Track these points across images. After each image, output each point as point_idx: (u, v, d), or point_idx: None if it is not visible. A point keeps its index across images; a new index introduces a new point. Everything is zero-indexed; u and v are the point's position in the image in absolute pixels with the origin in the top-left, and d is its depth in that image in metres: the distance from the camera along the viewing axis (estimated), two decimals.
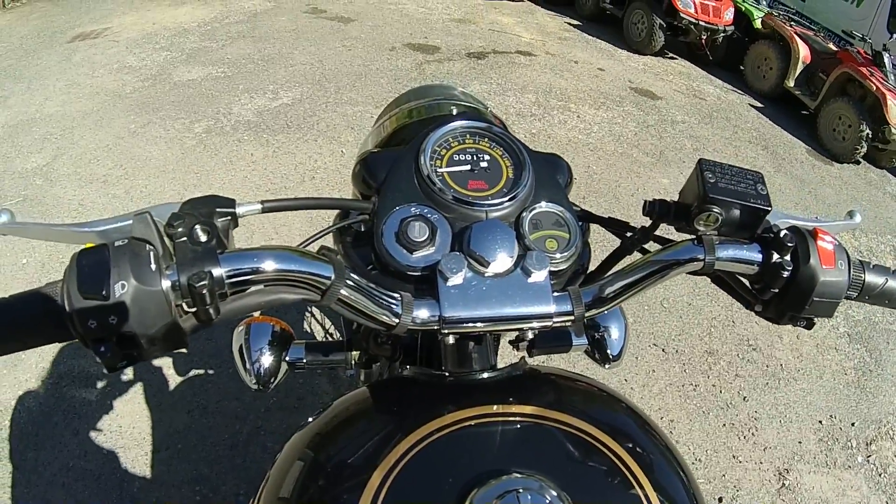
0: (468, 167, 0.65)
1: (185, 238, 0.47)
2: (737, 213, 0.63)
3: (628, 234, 0.73)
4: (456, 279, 0.56)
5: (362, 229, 0.64)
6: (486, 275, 0.57)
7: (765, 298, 0.66)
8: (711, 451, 2.16)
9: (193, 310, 0.46)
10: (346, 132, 3.46)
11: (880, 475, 2.40)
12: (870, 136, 5.43)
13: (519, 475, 0.48)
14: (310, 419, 0.63)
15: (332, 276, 0.52)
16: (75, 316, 0.42)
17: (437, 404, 0.56)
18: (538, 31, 6.55)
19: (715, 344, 2.75)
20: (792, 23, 6.51)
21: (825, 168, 5.31)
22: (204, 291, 0.45)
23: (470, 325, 0.57)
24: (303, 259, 0.51)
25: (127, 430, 1.75)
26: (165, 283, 0.44)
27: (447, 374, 0.66)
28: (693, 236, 0.64)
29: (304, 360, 0.84)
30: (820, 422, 2.57)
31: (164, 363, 1.91)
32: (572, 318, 0.59)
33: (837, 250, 0.63)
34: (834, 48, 6.25)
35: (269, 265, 0.49)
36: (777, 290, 0.64)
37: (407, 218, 0.58)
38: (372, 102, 3.88)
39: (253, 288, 0.50)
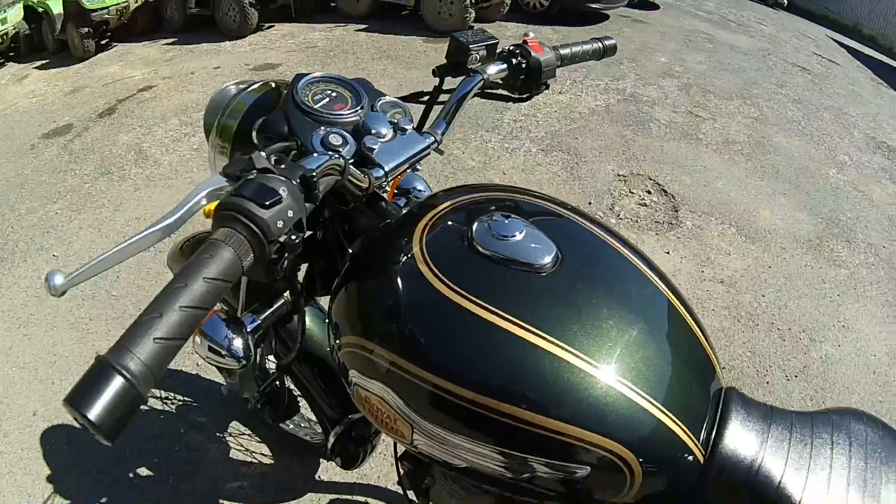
0: (327, 100, 0.86)
1: (275, 165, 0.61)
2: (484, 50, 0.96)
3: (425, 98, 1.00)
4: (376, 147, 0.81)
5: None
6: (386, 139, 0.82)
7: (517, 86, 1.00)
8: None
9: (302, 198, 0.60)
10: (44, 237, 3.63)
11: (637, 221, 3.19)
12: (473, 1, 6.54)
13: (487, 213, 0.74)
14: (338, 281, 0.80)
15: (349, 157, 0.74)
16: (268, 224, 0.54)
17: (413, 218, 0.77)
18: (144, 64, 6.75)
19: None
20: None
21: None
22: (315, 179, 0.61)
23: (398, 168, 0.82)
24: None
25: None
26: (297, 181, 0.60)
27: (388, 220, 0.82)
28: (467, 74, 0.96)
29: (261, 322, 0.89)
30: None
31: None
32: (438, 143, 0.88)
33: (541, 44, 0.98)
34: None
35: (330, 163, 0.67)
36: (522, 77, 0.99)
37: (323, 137, 0.79)
38: (48, 199, 4.03)
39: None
